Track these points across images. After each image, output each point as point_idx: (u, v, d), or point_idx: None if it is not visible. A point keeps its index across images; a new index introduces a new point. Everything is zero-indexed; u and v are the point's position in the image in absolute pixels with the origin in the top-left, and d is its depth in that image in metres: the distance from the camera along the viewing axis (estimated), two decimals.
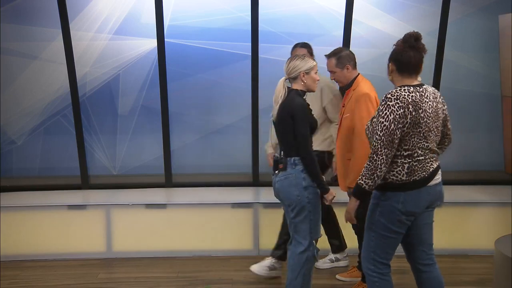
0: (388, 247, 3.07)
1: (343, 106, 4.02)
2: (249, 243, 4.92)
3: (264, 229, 4.91)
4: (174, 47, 5.33)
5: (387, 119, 2.87)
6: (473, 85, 5.65)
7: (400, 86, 2.97)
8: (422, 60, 3.03)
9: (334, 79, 4.06)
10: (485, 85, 5.67)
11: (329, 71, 4.05)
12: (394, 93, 2.91)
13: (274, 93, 3.50)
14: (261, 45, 5.26)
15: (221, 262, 4.77)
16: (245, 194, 5.13)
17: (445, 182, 5.48)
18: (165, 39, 5.24)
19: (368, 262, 3.11)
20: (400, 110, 2.88)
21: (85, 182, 5.49)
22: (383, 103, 2.90)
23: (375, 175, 2.90)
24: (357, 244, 4.18)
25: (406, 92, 2.92)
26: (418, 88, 2.97)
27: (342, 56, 3.99)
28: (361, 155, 3.71)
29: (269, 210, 4.91)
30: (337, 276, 4.42)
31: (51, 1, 5.16)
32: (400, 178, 2.95)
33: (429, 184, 3.02)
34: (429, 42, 5.36)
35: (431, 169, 3.02)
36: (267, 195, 5.10)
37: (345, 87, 4.07)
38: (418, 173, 2.97)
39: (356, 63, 4.03)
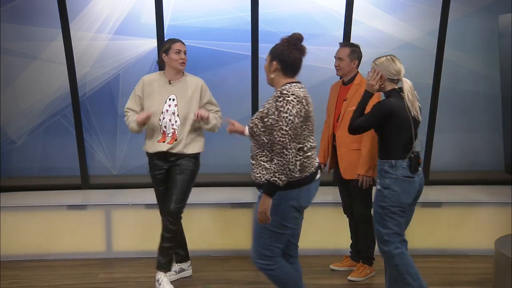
0: (280, 242, 3.19)
1: (345, 100, 4.18)
2: (249, 243, 4.88)
3: None
4: None
5: (290, 113, 2.96)
6: (473, 85, 5.65)
7: (288, 83, 3.08)
8: (302, 61, 3.14)
9: (338, 65, 4.21)
10: (485, 85, 5.67)
11: (338, 57, 4.21)
12: (288, 89, 3.02)
13: (409, 95, 3.39)
14: (261, 45, 5.26)
15: (221, 262, 4.77)
16: (245, 194, 5.13)
17: (446, 182, 5.54)
18: (165, 39, 5.23)
19: (261, 259, 3.20)
20: (298, 104, 3.00)
21: (85, 182, 5.49)
22: (280, 99, 2.98)
23: (287, 169, 2.97)
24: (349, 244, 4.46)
25: (297, 88, 3.05)
26: (301, 84, 3.13)
27: (356, 51, 4.22)
28: (373, 145, 3.99)
29: None
30: (331, 266, 4.53)
31: (51, 1, 5.16)
32: (293, 176, 3.05)
33: (316, 179, 3.19)
34: (429, 42, 5.37)
35: (316, 164, 3.18)
36: None
37: (345, 82, 4.25)
38: (308, 169, 3.11)
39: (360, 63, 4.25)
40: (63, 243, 4.86)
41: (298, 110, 2.99)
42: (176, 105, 4.02)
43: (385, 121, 3.37)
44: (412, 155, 3.38)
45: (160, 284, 4.08)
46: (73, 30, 5.23)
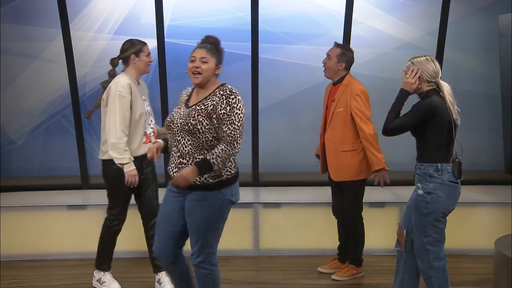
0: (219, 237, 3.32)
1: (333, 101, 4.17)
2: (249, 243, 4.92)
3: (264, 229, 4.91)
4: (174, 47, 5.33)
5: (241, 111, 3.14)
6: (473, 85, 5.65)
7: (224, 84, 3.23)
8: None
9: (325, 63, 4.24)
10: (485, 85, 5.67)
11: (327, 54, 4.24)
12: (232, 88, 3.19)
13: (450, 98, 3.31)
14: (261, 45, 5.26)
15: (221, 262, 4.70)
16: (245, 194, 5.10)
17: None
18: (165, 39, 5.23)
19: (204, 256, 3.26)
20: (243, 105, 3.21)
21: (85, 182, 5.49)
22: (232, 97, 3.13)
23: (227, 160, 3.11)
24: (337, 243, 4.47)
25: (235, 89, 3.22)
26: None
27: (346, 54, 4.22)
28: (361, 147, 4.09)
29: (269, 210, 4.91)
30: (319, 269, 4.50)
31: (51, 1, 5.16)
32: (231, 172, 3.21)
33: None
34: (429, 42, 5.37)
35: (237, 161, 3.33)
36: (267, 195, 5.10)
37: (334, 83, 4.26)
38: (236, 165, 3.30)
39: (350, 67, 4.25)
40: (63, 243, 4.86)
41: (244, 109, 3.19)
42: (148, 105, 4.06)
43: (427, 120, 3.25)
44: (457, 159, 3.31)
45: (161, 284, 4.08)
46: (73, 30, 5.23)
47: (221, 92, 3.16)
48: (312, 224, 4.89)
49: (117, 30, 5.35)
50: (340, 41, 5.16)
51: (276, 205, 4.93)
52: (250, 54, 5.26)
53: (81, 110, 5.38)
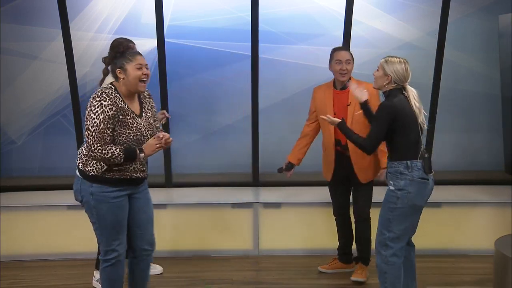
0: None
1: (348, 105, 4.11)
2: (249, 243, 4.92)
3: (264, 229, 4.91)
4: (174, 47, 5.33)
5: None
6: (473, 85, 5.65)
7: None
8: None
9: (346, 69, 4.15)
10: (485, 85, 5.66)
11: (346, 60, 4.15)
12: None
13: (416, 103, 3.43)
14: (261, 45, 5.25)
15: (221, 262, 4.77)
16: (245, 194, 5.13)
17: (445, 182, 5.54)
18: (165, 39, 5.23)
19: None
20: None
21: None
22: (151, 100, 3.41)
23: None
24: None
25: None
26: None
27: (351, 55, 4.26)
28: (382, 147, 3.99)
29: (269, 210, 4.91)
30: (319, 268, 4.50)
31: (51, 1, 5.15)
32: None
33: None
34: (429, 42, 5.37)
35: None
36: (267, 195, 5.10)
37: (341, 87, 4.20)
38: None
39: None
40: (63, 243, 4.86)
41: None
42: None
43: (393, 121, 3.35)
44: (426, 155, 3.40)
45: None
46: (73, 30, 5.22)
47: (146, 93, 3.36)
48: (312, 224, 4.89)
49: (117, 30, 5.35)
50: (340, 41, 5.18)
51: (276, 205, 4.93)
52: (250, 54, 5.25)
53: (81, 110, 5.38)
